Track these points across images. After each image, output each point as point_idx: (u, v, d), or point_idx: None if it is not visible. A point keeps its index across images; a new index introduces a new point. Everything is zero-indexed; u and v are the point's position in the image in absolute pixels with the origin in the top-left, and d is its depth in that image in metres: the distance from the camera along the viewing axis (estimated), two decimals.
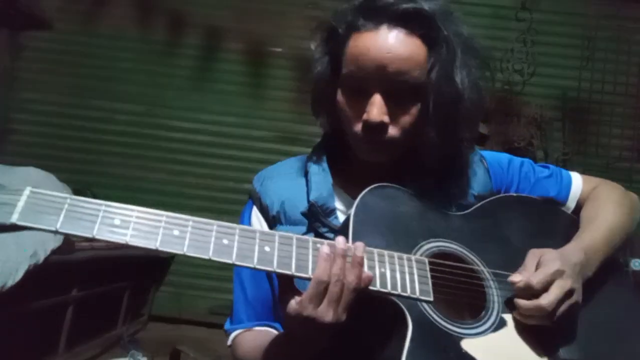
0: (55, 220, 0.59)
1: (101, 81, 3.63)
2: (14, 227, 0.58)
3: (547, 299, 0.72)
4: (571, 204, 0.97)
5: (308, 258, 0.68)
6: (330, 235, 0.84)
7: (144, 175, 3.46)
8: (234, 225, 0.66)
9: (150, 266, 3.25)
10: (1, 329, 1.79)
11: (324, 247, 0.67)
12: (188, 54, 3.65)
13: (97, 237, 0.60)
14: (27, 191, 0.60)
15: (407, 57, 0.78)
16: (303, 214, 0.86)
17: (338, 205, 0.88)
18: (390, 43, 0.78)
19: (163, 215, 0.63)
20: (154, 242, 0.61)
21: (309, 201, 0.86)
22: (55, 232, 0.59)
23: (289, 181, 0.92)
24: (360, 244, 0.69)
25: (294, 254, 0.67)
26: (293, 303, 0.67)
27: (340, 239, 0.68)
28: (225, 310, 3.46)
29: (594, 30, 3.59)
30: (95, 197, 0.66)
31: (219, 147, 3.60)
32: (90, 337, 2.69)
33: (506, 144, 3.51)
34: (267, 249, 0.66)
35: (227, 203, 3.41)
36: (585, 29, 3.60)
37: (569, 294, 0.74)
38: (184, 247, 0.62)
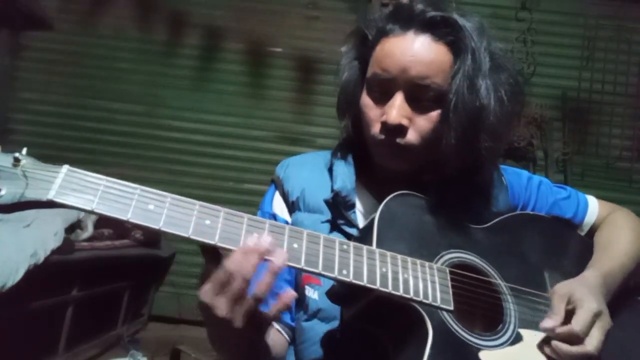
0: (91, 201, 0.59)
1: (101, 81, 3.63)
2: (51, 204, 0.59)
3: (592, 345, 0.70)
4: (586, 226, 0.98)
5: (335, 258, 0.68)
6: (347, 228, 0.85)
7: (144, 176, 3.45)
8: (264, 219, 0.67)
9: (150, 266, 3.25)
10: (1, 329, 1.79)
11: (251, 239, 0.62)
12: (188, 54, 3.65)
13: (131, 220, 0.60)
14: (64, 169, 0.60)
15: (430, 62, 0.79)
16: (326, 201, 0.87)
17: (358, 203, 0.90)
18: (415, 47, 0.79)
19: (196, 204, 0.63)
20: (187, 231, 0.61)
21: (332, 190, 0.87)
22: (91, 212, 0.59)
23: (312, 171, 0.93)
24: (283, 254, 0.63)
25: (321, 252, 0.67)
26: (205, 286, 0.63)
27: (266, 239, 0.62)
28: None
29: (594, 30, 3.59)
30: None
31: (219, 147, 3.60)
32: (90, 337, 2.69)
33: (506, 144, 3.50)
34: (295, 245, 0.66)
35: (227, 203, 3.36)
36: (585, 29, 3.60)
37: (607, 333, 0.73)
38: (215, 237, 0.62)
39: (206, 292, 0.61)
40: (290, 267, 0.65)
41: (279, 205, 0.93)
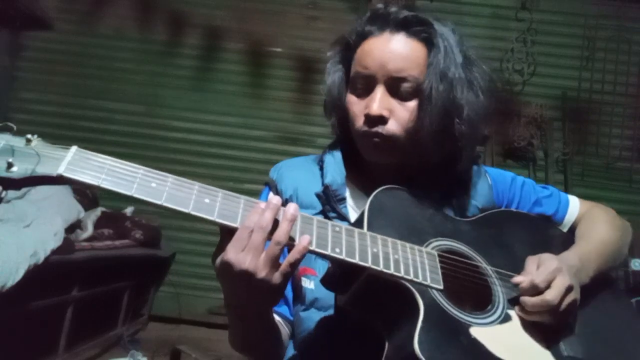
0: (98, 177, 0.63)
1: (101, 81, 3.64)
2: (60, 180, 0.63)
3: (551, 294, 0.77)
4: (567, 224, 1.04)
5: (327, 237, 0.71)
6: (338, 221, 0.87)
7: None
8: (260, 200, 0.71)
9: (150, 266, 3.25)
10: (1, 329, 1.79)
11: (261, 203, 0.68)
12: (188, 54, 3.65)
13: (135, 195, 0.64)
14: (73, 149, 0.65)
15: (406, 56, 0.86)
16: (317, 194, 0.92)
17: (348, 197, 0.94)
18: (391, 44, 0.87)
19: (195, 185, 0.68)
20: (187, 207, 0.65)
21: (323, 184, 0.92)
22: (98, 188, 0.63)
23: (304, 171, 0.98)
24: (293, 205, 0.69)
25: (314, 231, 0.70)
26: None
27: (276, 197, 0.69)
28: (224, 310, 3.46)
29: (594, 30, 3.59)
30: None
31: (219, 147, 3.60)
32: (90, 337, 2.69)
33: (506, 144, 3.51)
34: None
35: None
36: (585, 29, 3.60)
37: (569, 289, 0.78)
38: (214, 214, 0.66)
39: (229, 251, 0.66)
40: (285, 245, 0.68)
41: None
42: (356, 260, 0.70)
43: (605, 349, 0.85)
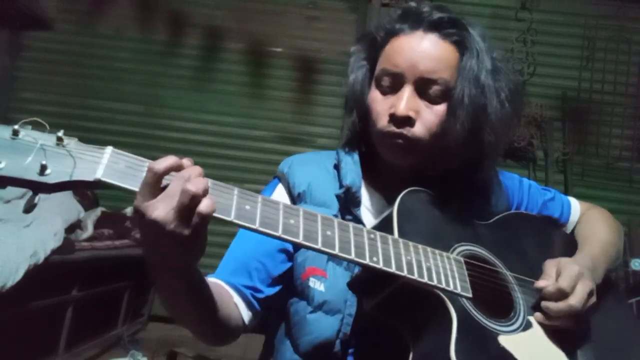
0: (136, 182, 0.59)
1: (101, 81, 3.64)
2: (97, 185, 0.58)
3: (575, 299, 0.77)
4: (570, 225, 1.06)
5: (365, 245, 0.70)
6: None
7: None
8: (298, 207, 0.68)
9: None
10: (1, 329, 1.79)
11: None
12: (188, 54, 3.65)
13: None
14: (108, 150, 0.60)
15: (438, 58, 0.84)
16: (337, 196, 0.89)
17: (364, 200, 0.92)
18: (423, 44, 0.84)
19: (234, 190, 0.64)
20: (229, 215, 0.62)
21: (341, 186, 0.89)
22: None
23: (318, 168, 0.95)
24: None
25: (352, 240, 0.69)
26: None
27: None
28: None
29: (594, 30, 3.59)
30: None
31: (219, 147, 3.60)
32: (90, 337, 2.69)
33: (506, 144, 3.50)
34: (329, 233, 0.68)
35: None
36: (585, 29, 3.60)
37: (590, 293, 0.79)
38: (255, 222, 0.63)
39: (138, 197, 0.58)
40: (324, 253, 0.67)
41: (279, 198, 0.92)
42: (392, 269, 0.70)
43: (612, 354, 0.85)
